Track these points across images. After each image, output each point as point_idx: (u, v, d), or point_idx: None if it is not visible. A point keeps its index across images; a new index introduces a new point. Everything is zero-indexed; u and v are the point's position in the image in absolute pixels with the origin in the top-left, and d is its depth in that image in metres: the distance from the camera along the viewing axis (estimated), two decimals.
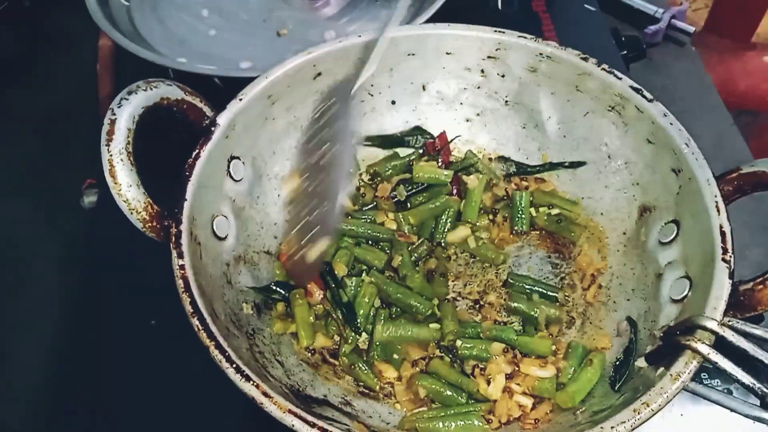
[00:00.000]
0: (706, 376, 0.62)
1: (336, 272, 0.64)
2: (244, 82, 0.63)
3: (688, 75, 1.04)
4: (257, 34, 0.91)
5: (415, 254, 0.67)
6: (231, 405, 0.61)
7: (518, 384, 0.59)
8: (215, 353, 0.47)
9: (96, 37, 0.94)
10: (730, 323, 0.48)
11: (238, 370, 0.47)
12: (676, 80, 1.03)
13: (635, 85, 0.64)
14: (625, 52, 0.96)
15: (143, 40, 0.87)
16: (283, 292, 0.64)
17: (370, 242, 0.69)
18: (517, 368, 0.60)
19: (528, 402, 0.58)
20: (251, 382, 0.46)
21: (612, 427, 0.46)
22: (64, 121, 0.93)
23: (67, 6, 0.97)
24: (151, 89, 0.55)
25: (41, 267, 0.79)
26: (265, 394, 0.46)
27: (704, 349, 0.47)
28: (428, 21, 0.76)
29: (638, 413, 0.46)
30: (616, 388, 0.55)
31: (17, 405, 0.68)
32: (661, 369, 0.50)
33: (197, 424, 0.62)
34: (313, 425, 0.45)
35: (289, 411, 0.45)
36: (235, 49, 0.88)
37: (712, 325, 0.48)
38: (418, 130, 0.76)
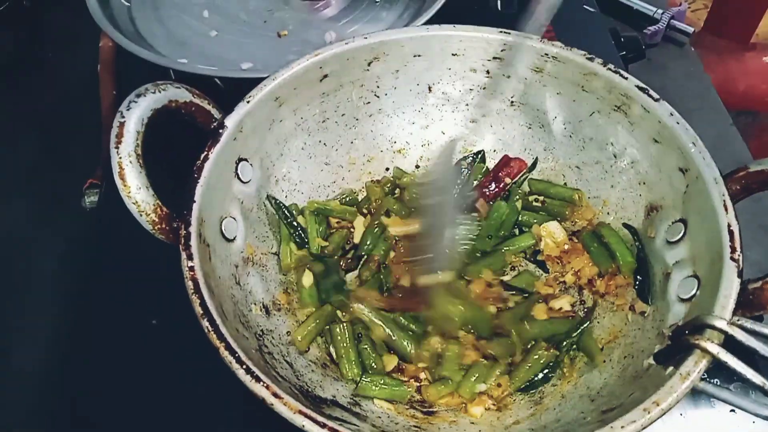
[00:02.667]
0: (704, 375, 0.62)
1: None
2: (244, 83, 0.63)
3: (687, 75, 1.04)
4: (258, 35, 0.91)
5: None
6: (233, 406, 0.61)
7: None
8: (225, 354, 0.47)
9: (97, 38, 0.93)
10: (739, 322, 0.48)
11: (248, 371, 0.46)
12: (675, 81, 1.03)
13: (641, 84, 0.64)
14: (624, 52, 0.95)
15: (144, 41, 0.87)
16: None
17: None
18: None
19: None
20: (261, 383, 0.46)
21: (622, 427, 0.46)
22: (65, 121, 0.92)
23: (67, 6, 0.97)
24: (159, 92, 0.55)
25: (41, 267, 0.78)
26: (275, 395, 0.46)
27: (714, 348, 0.47)
28: (428, 22, 0.75)
29: (648, 412, 0.46)
30: (650, 301, 0.60)
31: (16, 406, 0.67)
32: (671, 368, 0.49)
33: (199, 426, 0.62)
34: (323, 426, 0.44)
35: (300, 411, 0.45)
36: (235, 50, 0.88)
37: (722, 324, 0.48)
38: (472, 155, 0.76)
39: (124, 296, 0.69)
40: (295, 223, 0.67)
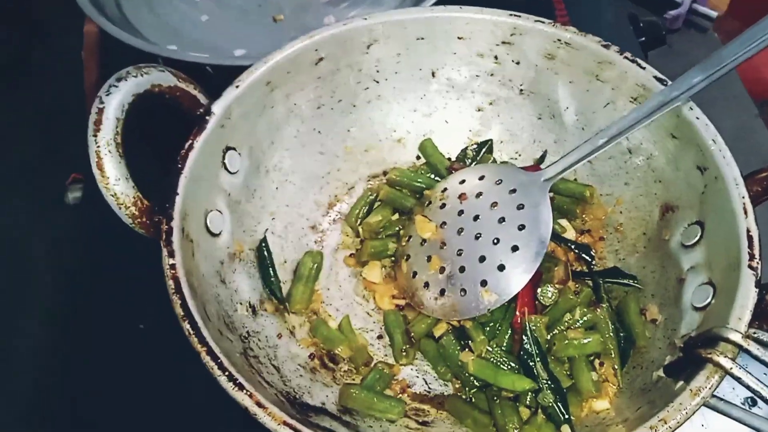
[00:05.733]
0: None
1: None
2: (237, 71, 0.62)
3: None
4: (252, 20, 0.89)
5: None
6: (227, 413, 0.60)
7: None
8: (207, 359, 0.47)
9: (81, 24, 0.92)
10: (755, 335, 0.47)
11: (230, 378, 0.46)
12: None
13: (660, 75, 0.63)
14: (643, 38, 0.94)
15: (131, 27, 0.86)
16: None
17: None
18: None
19: None
20: (244, 391, 0.46)
21: None
22: (48, 114, 0.91)
23: None
24: (141, 75, 0.54)
25: (24, 266, 0.78)
26: (259, 404, 0.45)
27: (727, 363, 0.46)
28: (437, 3, 0.74)
29: (654, 431, 0.46)
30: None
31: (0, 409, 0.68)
32: (681, 383, 0.49)
33: (199, 426, 0.63)
34: None
35: (284, 423, 0.45)
36: (228, 36, 0.86)
37: (736, 337, 0.47)
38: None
39: (110, 298, 0.69)
40: (271, 271, 0.65)
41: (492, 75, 0.73)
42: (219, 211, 0.61)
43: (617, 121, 0.61)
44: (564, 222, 0.71)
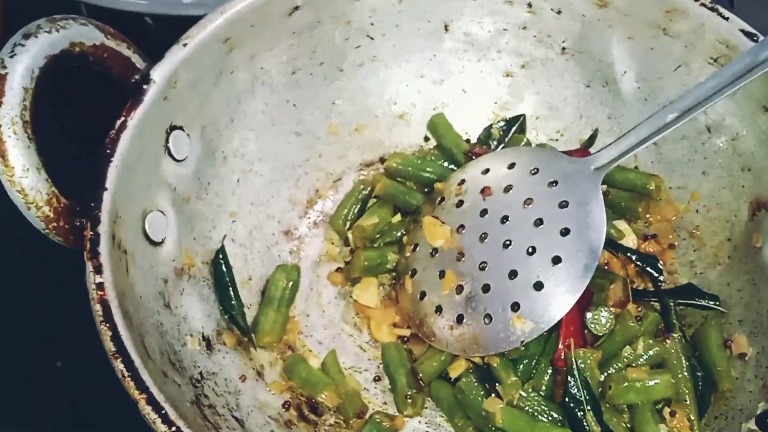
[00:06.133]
0: None
1: None
2: (186, 24, 0.62)
3: None
4: None
5: None
6: None
7: None
8: (146, 411, 0.47)
9: None
10: None
11: None
12: None
13: (748, 28, 0.63)
14: None
15: None
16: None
17: None
18: None
19: None
20: None
21: None
22: None
23: None
24: (57, 31, 0.53)
25: None
26: None
27: None
28: None
29: None
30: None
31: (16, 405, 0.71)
32: None
33: None
34: None
35: None
36: None
37: None
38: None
39: (20, 328, 0.70)
40: (231, 291, 0.66)
41: (525, 29, 0.73)
42: (161, 212, 0.61)
43: (691, 90, 0.60)
44: (622, 224, 0.71)
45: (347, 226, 0.72)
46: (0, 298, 0.72)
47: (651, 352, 0.62)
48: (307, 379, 0.64)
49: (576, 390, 0.59)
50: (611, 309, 0.64)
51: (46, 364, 0.70)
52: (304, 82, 0.72)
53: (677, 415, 0.60)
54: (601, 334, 0.63)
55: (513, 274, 0.61)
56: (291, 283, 0.68)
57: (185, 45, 0.61)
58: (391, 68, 0.75)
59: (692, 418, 0.60)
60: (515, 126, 0.76)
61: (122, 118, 0.57)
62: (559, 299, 0.60)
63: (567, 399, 0.59)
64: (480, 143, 0.76)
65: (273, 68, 0.69)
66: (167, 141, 0.61)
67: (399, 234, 0.71)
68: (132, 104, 0.58)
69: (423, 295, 0.65)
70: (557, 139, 0.76)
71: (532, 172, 0.65)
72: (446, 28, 0.74)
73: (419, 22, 0.73)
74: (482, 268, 0.62)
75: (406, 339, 0.67)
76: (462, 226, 0.65)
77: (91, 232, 0.52)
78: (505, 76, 0.76)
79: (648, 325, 0.64)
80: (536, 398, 0.60)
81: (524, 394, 0.60)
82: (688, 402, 0.60)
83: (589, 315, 0.63)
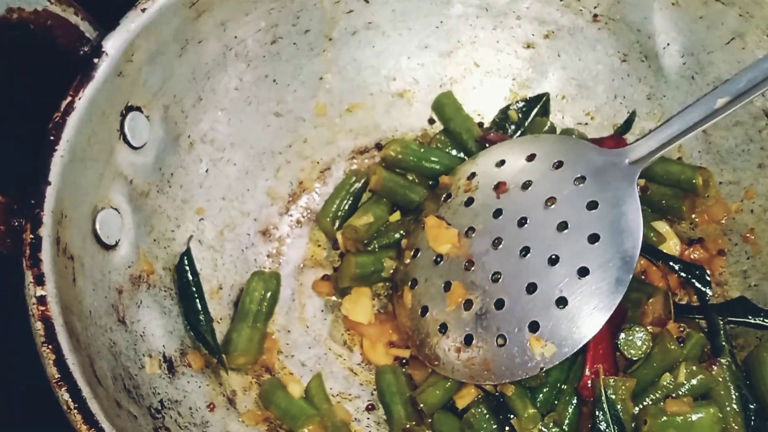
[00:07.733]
0: None
1: None
2: None
3: None
4: None
5: None
6: None
7: None
8: None
9: None
10: None
11: None
12: None
13: None
14: None
15: None
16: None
17: None
18: None
19: None
20: None
21: None
22: None
23: None
24: None
25: None
26: None
27: None
28: None
29: None
30: None
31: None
32: None
33: None
34: None
35: None
36: None
37: None
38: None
39: None
40: (198, 303, 0.66)
41: None
42: (115, 210, 0.61)
43: (747, 68, 0.60)
44: (663, 226, 0.71)
45: (336, 225, 0.73)
46: None
47: (694, 381, 0.62)
48: (286, 409, 0.64)
49: (605, 425, 0.59)
50: (648, 328, 0.64)
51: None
52: (285, 54, 0.72)
53: None
54: (635, 359, 0.63)
55: (532, 288, 0.61)
56: (269, 294, 0.69)
57: (144, 10, 0.61)
58: (389, 37, 0.75)
59: None
60: (537, 107, 0.76)
61: (69, 99, 0.57)
62: (585, 318, 0.60)
63: None
64: (495, 128, 0.76)
65: (249, 37, 0.69)
66: (122, 125, 0.62)
67: (397, 236, 0.71)
68: (80, 81, 0.58)
69: (425, 310, 0.65)
70: (587, 123, 0.76)
71: (556, 165, 0.65)
72: None
73: None
74: (495, 280, 0.62)
75: (404, 361, 0.68)
76: (471, 229, 0.65)
77: (32, 235, 0.52)
78: (525, 48, 0.76)
79: (692, 347, 0.64)
80: None
81: (544, 429, 0.61)
82: None
83: (621, 335, 0.63)
